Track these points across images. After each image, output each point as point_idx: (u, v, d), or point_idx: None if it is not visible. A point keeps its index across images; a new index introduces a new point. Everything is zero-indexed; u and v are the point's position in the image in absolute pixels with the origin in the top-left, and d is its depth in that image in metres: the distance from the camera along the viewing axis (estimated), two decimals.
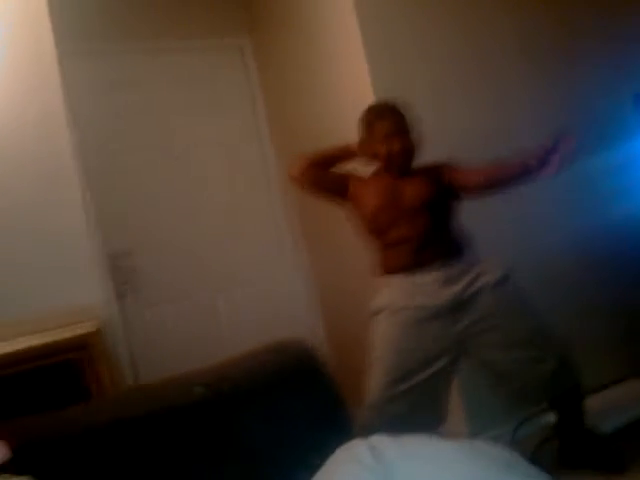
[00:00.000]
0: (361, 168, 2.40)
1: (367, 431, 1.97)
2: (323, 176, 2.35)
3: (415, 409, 2.18)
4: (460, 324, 2.19)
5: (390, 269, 2.27)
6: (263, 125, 3.77)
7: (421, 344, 2.19)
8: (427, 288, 2.20)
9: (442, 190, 2.27)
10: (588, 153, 2.70)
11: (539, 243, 2.91)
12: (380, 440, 1.18)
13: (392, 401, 2.18)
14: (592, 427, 2.36)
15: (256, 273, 3.63)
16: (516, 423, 2.57)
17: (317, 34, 3.17)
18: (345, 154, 2.39)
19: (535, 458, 2.32)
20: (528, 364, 2.22)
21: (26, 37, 2.45)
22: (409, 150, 2.27)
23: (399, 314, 2.23)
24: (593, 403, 2.48)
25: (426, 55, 2.91)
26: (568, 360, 2.27)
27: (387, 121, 2.25)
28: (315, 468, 1.22)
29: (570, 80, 3.13)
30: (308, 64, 3.28)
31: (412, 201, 2.22)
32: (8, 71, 2.40)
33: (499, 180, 2.20)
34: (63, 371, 2.13)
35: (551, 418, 2.43)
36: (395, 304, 2.24)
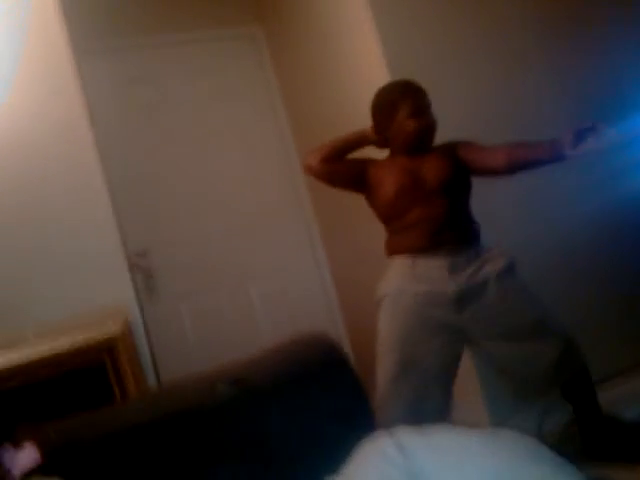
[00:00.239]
0: (376, 153, 2.38)
1: (381, 421, 2.00)
2: (339, 165, 2.31)
3: (423, 397, 2.17)
4: (464, 312, 2.17)
5: (400, 251, 2.25)
6: (281, 114, 3.77)
7: (426, 332, 2.18)
8: (433, 274, 2.18)
9: (459, 170, 2.24)
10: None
11: (548, 226, 2.88)
12: (404, 432, 1.19)
13: (400, 389, 2.17)
14: (615, 415, 2.34)
15: (275, 269, 3.64)
16: (538, 413, 2.56)
17: (328, 19, 3.17)
18: (359, 140, 2.36)
19: (558, 447, 2.33)
20: (531, 353, 2.20)
21: (41, 40, 2.46)
22: (435, 126, 2.27)
23: (404, 301, 2.21)
24: (610, 392, 2.46)
25: (438, 36, 2.92)
26: (571, 347, 2.24)
27: (413, 98, 2.24)
28: (340, 462, 1.23)
29: (578, 62, 3.10)
30: (321, 49, 3.28)
31: (431, 182, 2.21)
32: (26, 76, 2.42)
33: (524, 161, 2.16)
34: (90, 373, 2.16)
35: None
36: (401, 290, 2.22)
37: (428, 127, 2.25)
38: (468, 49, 2.94)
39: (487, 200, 2.44)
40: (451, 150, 2.27)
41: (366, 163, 2.33)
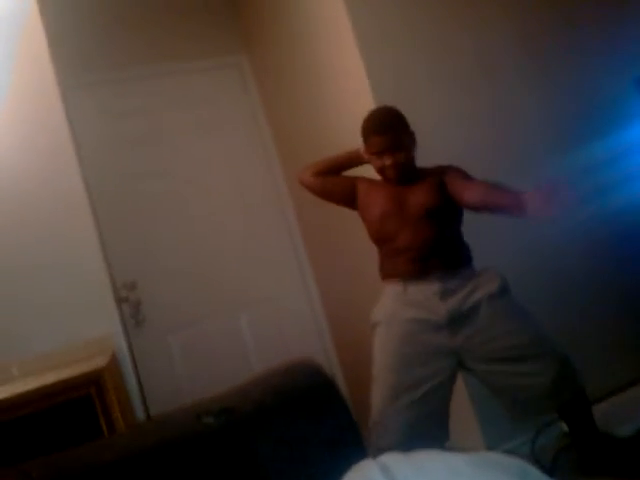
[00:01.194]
0: (372, 172, 2.39)
1: (377, 448, 1.97)
2: (331, 179, 2.40)
3: (419, 423, 2.15)
4: (458, 337, 2.17)
5: (391, 277, 2.26)
6: (268, 141, 3.80)
7: (420, 358, 2.17)
8: (425, 300, 2.19)
9: (447, 196, 2.24)
10: (590, 142, 2.69)
11: (540, 240, 2.87)
12: (391, 458, 1.17)
13: (396, 415, 2.16)
14: (610, 431, 2.32)
15: (264, 297, 3.62)
16: (533, 433, 2.53)
17: (312, 45, 3.20)
18: (352, 159, 2.41)
19: (555, 466, 2.31)
20: (526, 377, 2.18)
21: (28, 76, 2.48)
22: (403, 165, 2.24)
23: (397, 327, 2.21)
24: (604, 408, 2.44)
25: (425, 62, 2.92)
26: (567, 370, 2.21)
27: (380, 137, 2.22)
28: None
29: (571, 77, 3.11)
30: (306, 76, 3.31)
31: (417, 209, 2.21)
32: (13, 112, 2.43)
33: (493, 206, 2.12)
34: (76, 406, 2.13)
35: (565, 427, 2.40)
36: (394, 317, 2.23)
37: (394, 166, 2.23)
38: (455, 77, 2.95)
39: (474, 219, 2.43)
40: (440, 176, 2.27)
41: (357, 180, 2.37)
